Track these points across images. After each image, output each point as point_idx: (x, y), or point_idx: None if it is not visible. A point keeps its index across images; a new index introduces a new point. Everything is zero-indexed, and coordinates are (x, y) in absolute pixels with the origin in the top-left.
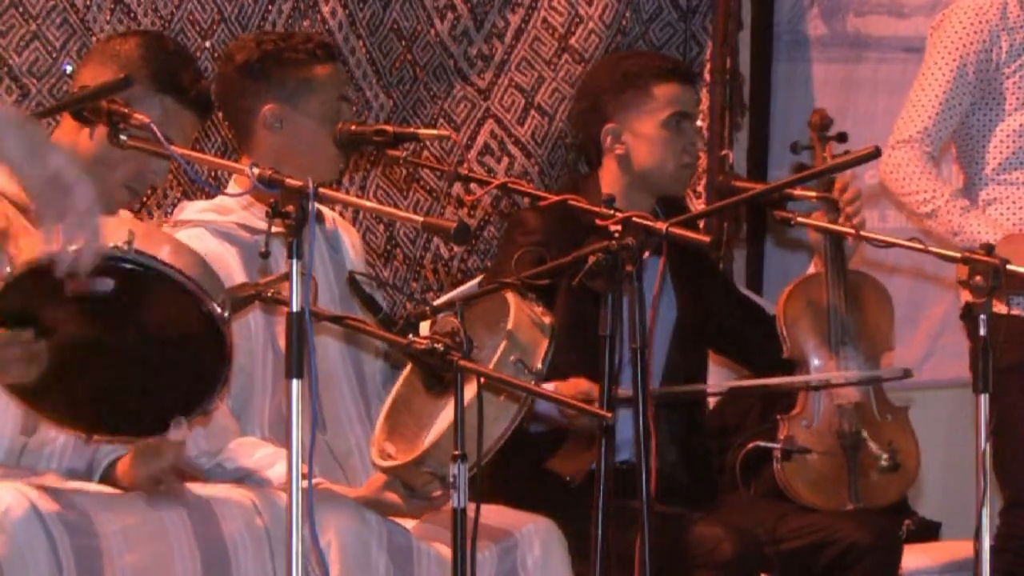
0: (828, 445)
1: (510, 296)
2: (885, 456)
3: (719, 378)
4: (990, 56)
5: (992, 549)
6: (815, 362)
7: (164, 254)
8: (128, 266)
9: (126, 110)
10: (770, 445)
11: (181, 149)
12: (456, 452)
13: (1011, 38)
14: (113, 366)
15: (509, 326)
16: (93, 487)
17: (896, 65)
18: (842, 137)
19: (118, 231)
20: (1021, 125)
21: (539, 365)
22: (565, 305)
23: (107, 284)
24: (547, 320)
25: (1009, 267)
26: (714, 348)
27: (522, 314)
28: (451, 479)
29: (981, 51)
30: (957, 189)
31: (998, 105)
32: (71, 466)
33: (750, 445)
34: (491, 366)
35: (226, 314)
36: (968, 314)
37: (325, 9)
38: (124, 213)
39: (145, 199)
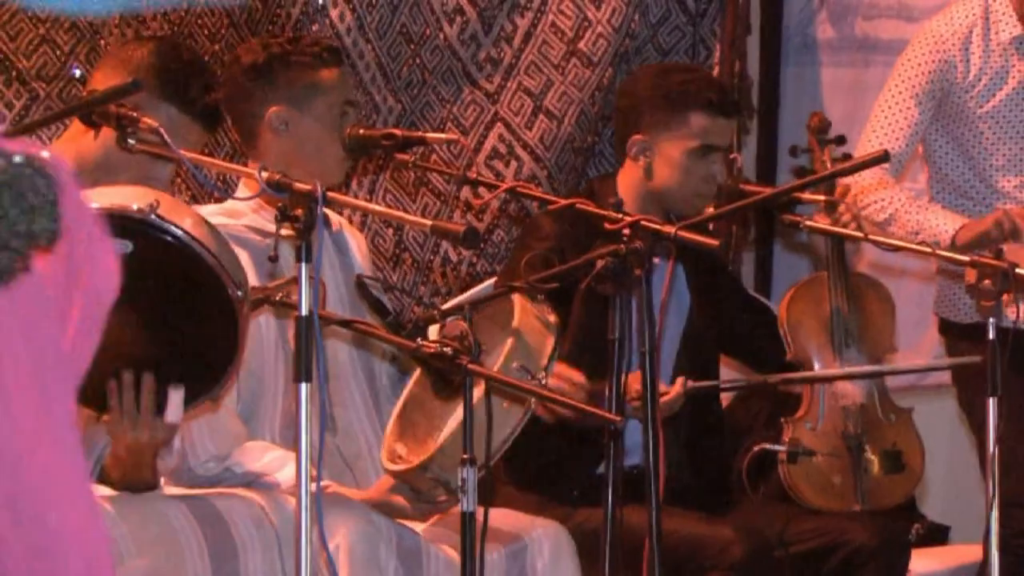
0: (833, 447)
1: (516, 296)
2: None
3: (730, 374)
4: (950, 82)
5: None
6: (818, 364)
7: (187, 225)
8: (149, 231)
9: (135, 114)
10: (775, 448)
11: (189, 153)
12: (465, 456)
13: (970, 63)
14: (123, 338)
15: (514, 324)
16: (101, 491)
17: None
18: (840, 140)
19: (144, 196)
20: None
21: (544, 362)
22: (580, 309)
23: (125, 246)
24: (551, 318)
25: (1019, 270)
26: (724, 351)
27: (528, 312)
28: (458, 483)
29: (935, 77)
30: (913, 193)
31: (962, 124)
32: None
33: (756, 448)
34: (496, 368)
35: (240, 293)
36: (945, 331)
37: (334, 13)
38: None
39: None
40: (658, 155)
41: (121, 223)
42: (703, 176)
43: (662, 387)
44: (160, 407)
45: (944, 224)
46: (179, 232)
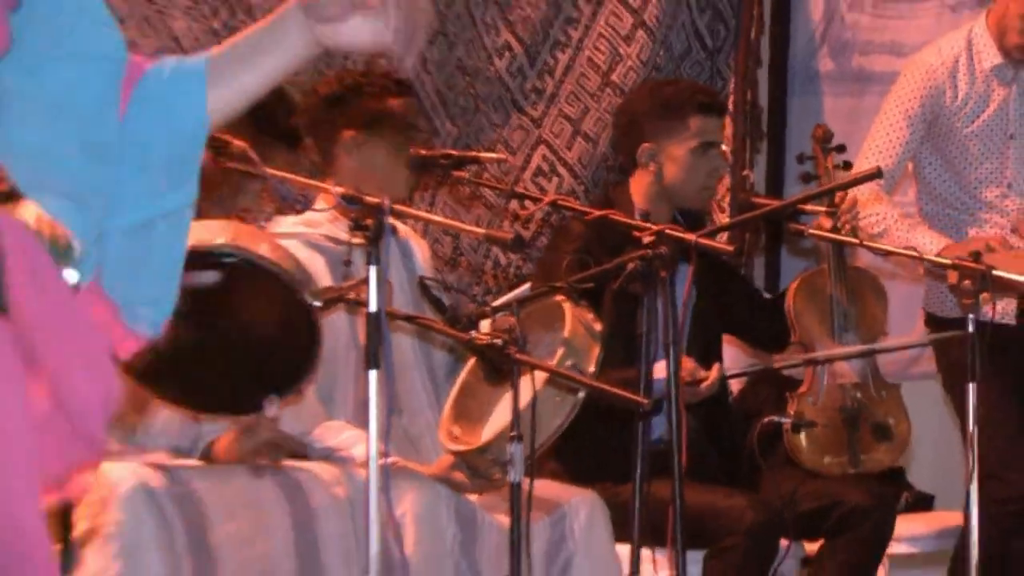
0: (831, 419)
1: (566, 305)
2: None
3: (740, 362)
4: (939, 105)
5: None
6: (819, 346)
7: (263, 250)
8: (230, 260)
9: (227, 137)
10: (781, 419)
11: (274, 171)
12: (513, 434)
13: (957, 88)
14: (217, 352)
15: (565, 334)
16: (196, 463)
17: None
18: (841, 148)
19: (223, 230)
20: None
21: (592, 369)
22: (610, 306)
23: (212, 277)
24: (597, 327)
25: (995, 272)
26: (735, 335)
27: (577, 323)
28: (509, 456)
29: (927, 101)
30: (903, 212)
31: (949, 144)
32: (177, 444)
33: (765, 420)
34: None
35: (317, 303)
36: (930, 323)
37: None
38: None
39: (245, 214)
40: (666, 158)
41: (207, 256)
42: (707, 171)
43: (702, 372)
44: (259, 405)
45: (930, 243)
46: (256, 259)
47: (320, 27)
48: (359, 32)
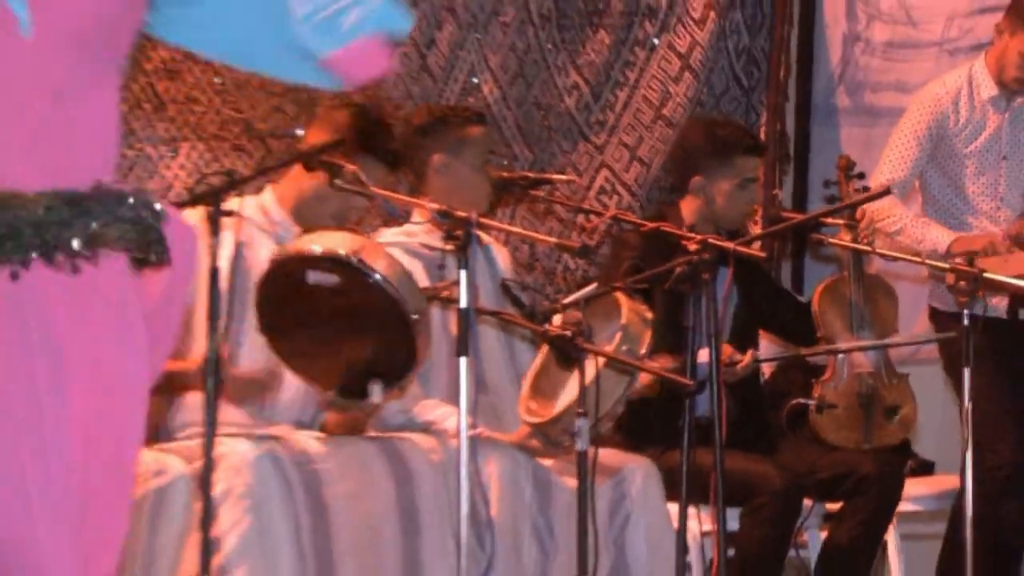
0: (849, 402)
1: (622, 298)
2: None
3: (772, 351)
4: (944, 128)
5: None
6: (840, 340)
7: (379, 265)
8: (354, 270)
9: (340, 162)
10: (807, 402)
11: (378, 190)
12: (580, 411)
13: (959, 115)
14: (336, 341)
15: (623, 321)
16: (314, 434)
17: None
18: (861, 175)
19: (352, 242)
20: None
21: (643, 351)
22: (661, 303)
23: (333, 279)
24: (649, 316)
25: (986, 275)
26: (767, 330)
27: (632, 312)
28: (576, 429)
29: (933, 125)
30: (916, 213)
31: (950, 162)
32: (299, 418)
33: (793, 402)
34: (611, 350)
35: (416, 317)
36: (934, 317)
37: (485, 89)
38: None
39: (355, 226)
40: (714, 190)
41: (332, 262)
42: (746, 201)
43: (736, 356)
44: (366, 393)
45: (941, 237)
46: (376, 275)
47: None
48: None
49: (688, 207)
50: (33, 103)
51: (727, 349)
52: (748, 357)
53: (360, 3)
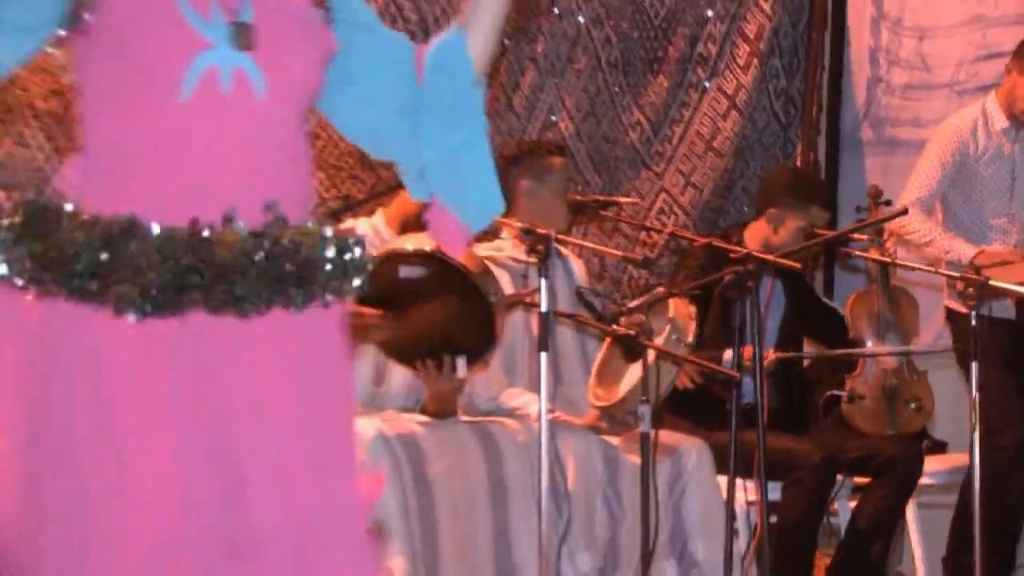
0: (876, 394)
1: (672, 299)
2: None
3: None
4: (966, 155)
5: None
6: (869, 343)
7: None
8: (439, 261)
9: None
10: (839, 393)
11: None
12: (643, 398)
13: (976, 144)
14: (432, 326)
15: (671, 314)
16: (416, 417)
17: (916, 160)
18: (888, 202)
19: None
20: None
21: (690, 339)
22: (715, 306)
23: (419, 271)
24: (692, 310)
25: (991, 282)
26: (806, 334)
27: (678, 307)
28: (639, 414)
29: (957, 152)
30: (943, 227)
31: (969, 183)
32: (403, 404)
33: (827, 394)
34: (660, 341)
35: (494, 299)
36: (950, 317)
37: (562, 126)
38: None
39: None
40: (782, 226)
41: (421, 256)
42: (801, 241)
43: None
44: (454, 368)
45: (966, 249)
46: (454, 262)
47: None
48: None
49: (752, 232)
50: (268, 153)
51: (748, 350)
52: (771, 355)
53: (473, 152)
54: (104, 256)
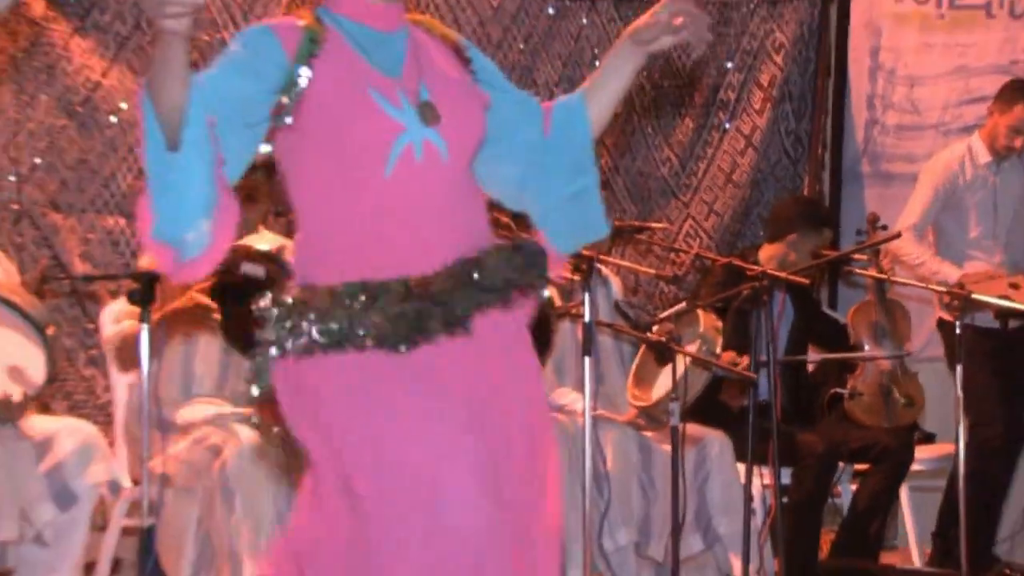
0: (874, 392)
1: (701, 313)
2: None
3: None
4: (955, 185)
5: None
6: (867, 347)
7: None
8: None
9: (498, 215)
10: (842, 392)
11: (524, 234)
12: (674, 397)
13: (964, 176)
14: None
15: (701, 330)
16: None
17: (908, 190)
18: (884, 227)
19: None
20: (972, 225)
21: (718, 350)
22: (734, 318)
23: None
24: (720, 325)
25: (974, 296)
26: (812, 341)
27: (708, 323)
28: (669, 411)
29: (946, 183)
30: (933, 252)
31: (957, 211)
32: None
33: (831, 391)
34: (692, 350)
35: (548, 310)
36: (941, 326)
37: (603, 162)
38: None
39: None
40: (795, 251)
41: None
42: (812, 260)
43: (739, 359)
44: None
45: (951, 271)
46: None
47: (648, 49)
48: (667, 41)
49: (766, 253)
50: (456, 201)
51: (728, 355)
52: (744, 361)
53: (587, 197)
54: (372, 314)
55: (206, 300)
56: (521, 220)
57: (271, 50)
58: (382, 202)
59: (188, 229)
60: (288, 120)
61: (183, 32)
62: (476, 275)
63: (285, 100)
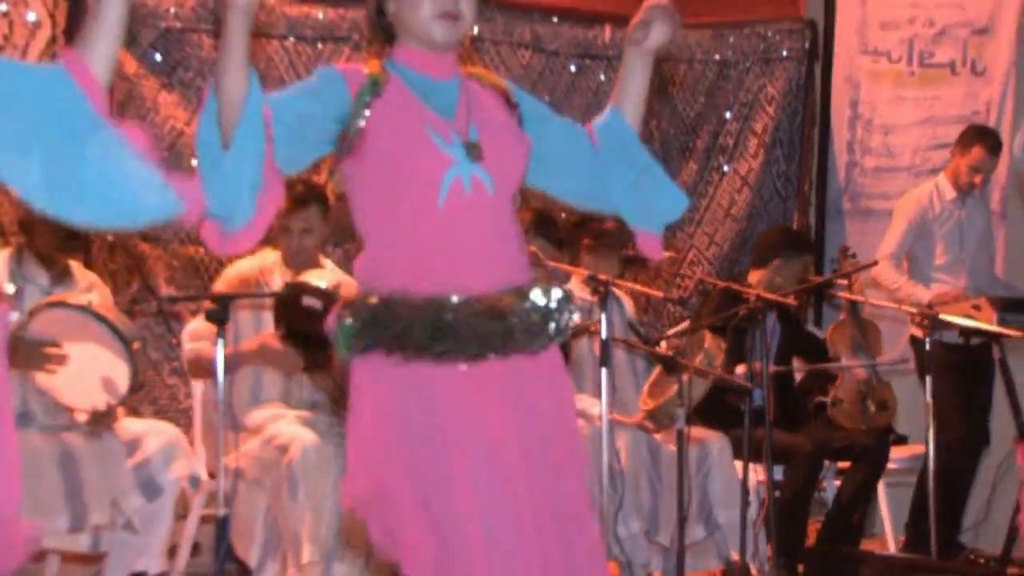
0: (852, 399)
1: (706, 333)
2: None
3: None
4: (925, 218)
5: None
6: (844, 359)
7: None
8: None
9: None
10: (825, 399)
11: (551, 262)
12: (679, 403)
13: (933, 210)
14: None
15: (706, 346)
16: None
17: (885, 224)
18: (854, 256)
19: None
20: (940, 253)
21: (718, 363)
22: (732, 335)
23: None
24: (722, 344)
25: (940, 316)
26: (797, 355)
27: (712, 341)
28: (675, 416)
29: (918, 216)
30: (908, 277)
31: (928, 240)
32: None
33: (816, 399)
34: (697, 363)
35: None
36: (913, 342)
37: None
38: None
39: None
40: (779, 275)
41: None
42: (793, 283)
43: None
44: None
45: (923, 295)
46: None
47: (644, 48)
48: (657, 37)
49: (756, 276)
50: (503, 234)
51: (757, 365)
52: (741, 369)
53: (652, 172)
54: (432, 327)
55: (277, 344)
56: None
57: (337, 86)
58: (437, 228)
59: (234, 208)
60: (349, 151)
61: (247, 7)
62: (536, 316)
63: (347, 133)
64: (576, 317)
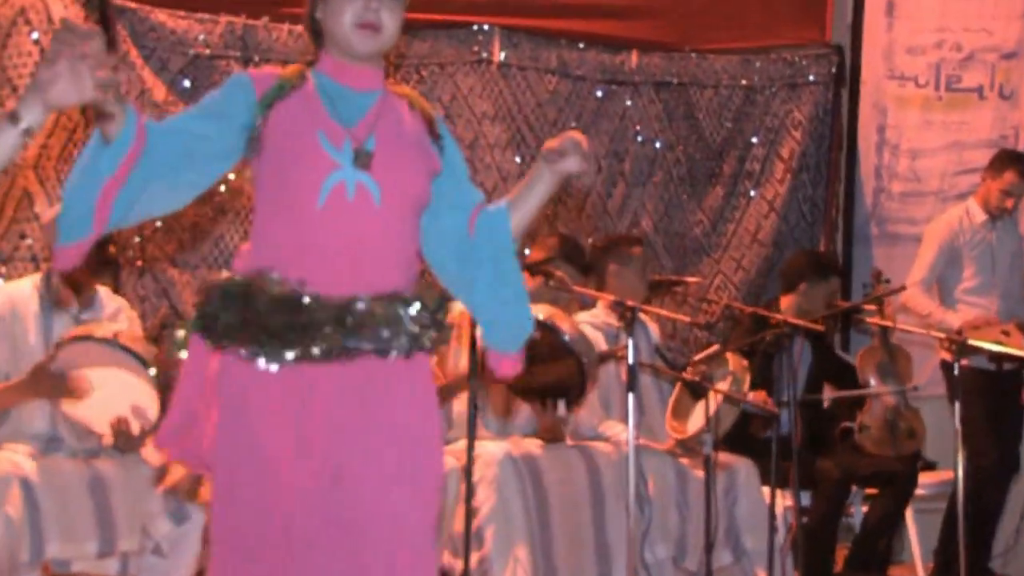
0: (880, 425)
1: (730, 355)
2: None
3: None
4: (956, 242)
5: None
6: (873, 385)
7: (565, 327)
8: (549, 329)
9: (552, 270)
10: (852, 425)
11: (577, 288)
12: (707, 430)
13: (963, 235)
14: (538, 373)
15: (731, 368)
16: (535, 441)
17: (911, 249)
18: (887, 281)
19: (548, 311)
20: (971, 277)
21: (746, 388)
22: (760, 359)
23: (535, 335)
24: (747, 364)
25: (969, 342)
26: (827, 380)
27: (737, 363)
28: (703, 442)
29: (949, 240)
30: (939, 303)
31: (958, 264)
32: (525, 431)
33: (843, 425)
34: (724, 387)
35: (587, 361)
36: (942, 366)
37: (644, 223)
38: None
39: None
40: (805, 297)
41: (537, 324)
42: (824, 307)
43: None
44: (555, 404)
45: (953, 321)
46: (564, 334)
47: (555, 168)
48: (570, 165)
49: (786, 303)
50: (379, 244)
51: (760, 395)
52: (760, 395)
53: (514, 308)
54: (279, 321)
55: None
56: None
57: (242, 92)
58: (314, 229)
59: (73, 225)
60: (255, 153)
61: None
62: (399, 312)
63: (252, 135)
64: (438, 335)
